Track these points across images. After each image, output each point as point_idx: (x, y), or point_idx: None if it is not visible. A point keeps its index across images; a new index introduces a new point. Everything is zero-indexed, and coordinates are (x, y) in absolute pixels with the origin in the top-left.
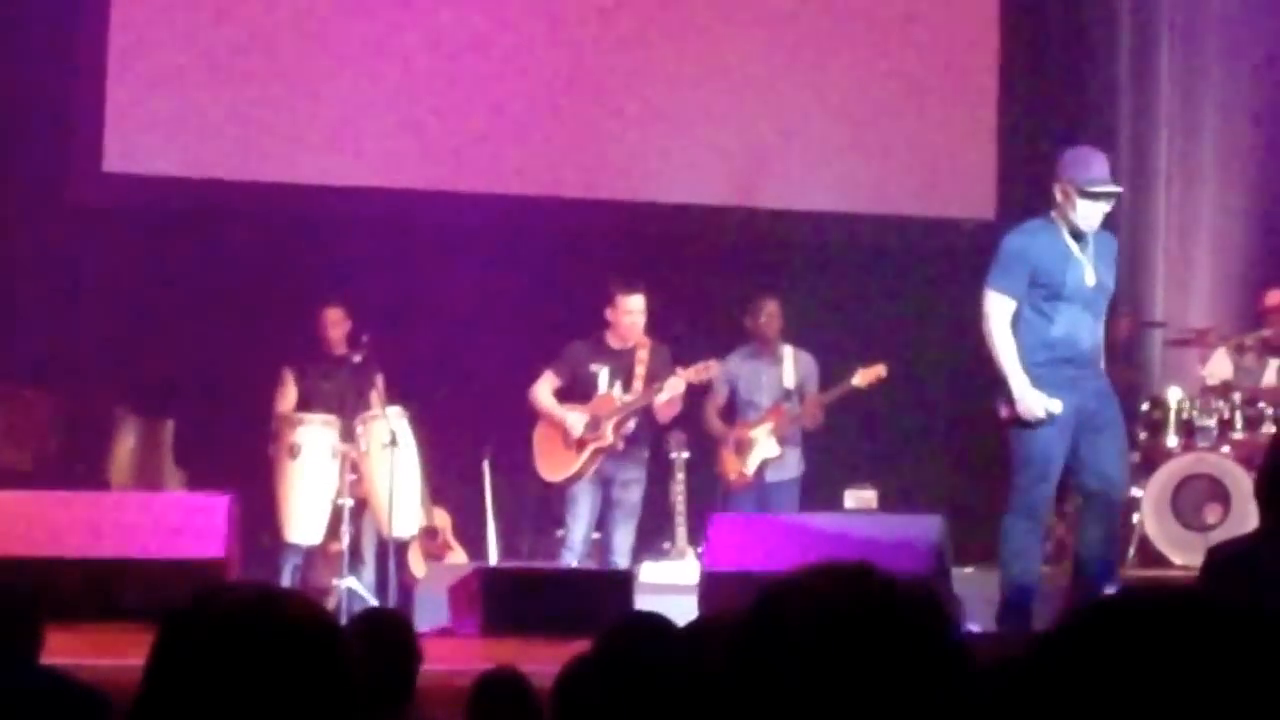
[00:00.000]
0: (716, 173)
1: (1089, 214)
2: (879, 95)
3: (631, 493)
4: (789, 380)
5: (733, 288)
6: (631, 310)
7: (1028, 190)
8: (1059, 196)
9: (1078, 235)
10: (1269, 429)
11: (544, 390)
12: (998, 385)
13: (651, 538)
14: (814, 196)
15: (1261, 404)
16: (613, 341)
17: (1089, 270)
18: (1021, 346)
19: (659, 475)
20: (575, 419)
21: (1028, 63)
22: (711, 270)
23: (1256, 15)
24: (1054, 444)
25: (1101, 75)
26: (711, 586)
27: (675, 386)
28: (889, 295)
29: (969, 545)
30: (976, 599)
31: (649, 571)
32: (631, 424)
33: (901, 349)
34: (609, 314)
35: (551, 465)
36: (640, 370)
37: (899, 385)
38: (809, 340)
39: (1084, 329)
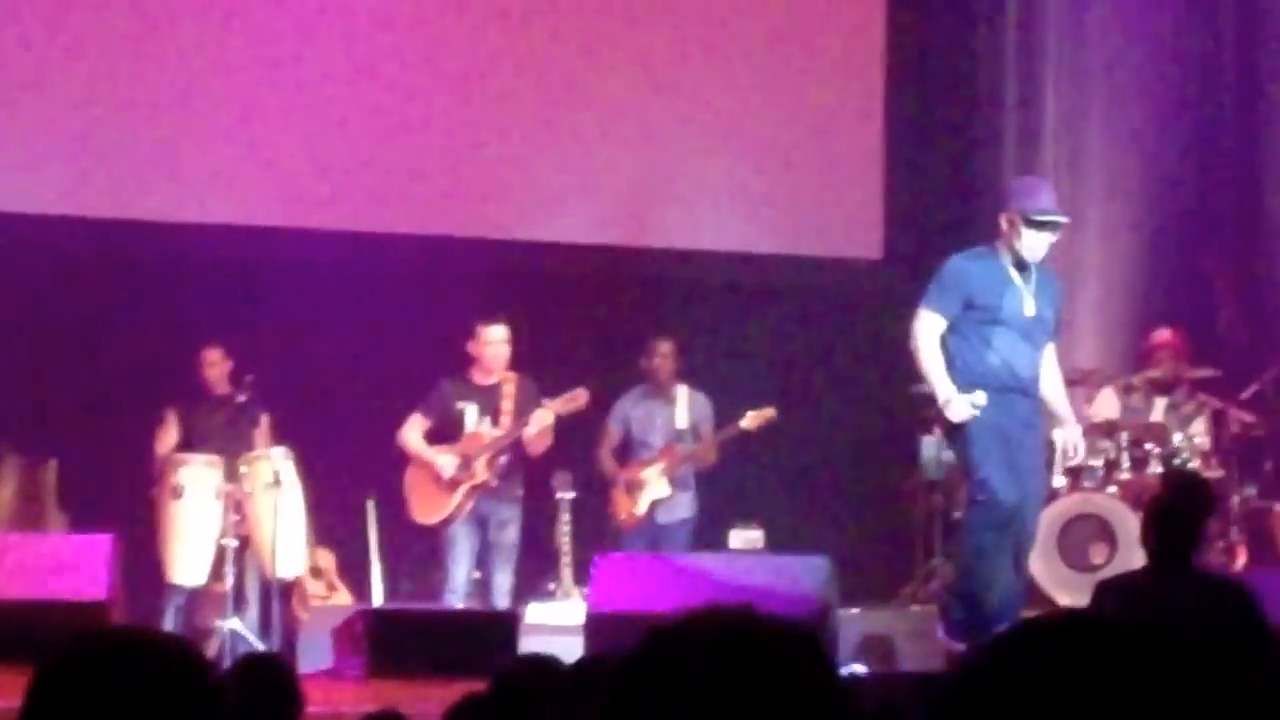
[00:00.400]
0: (608, 212)
1: (1034, 243)
2: (767, 135)
3: (508, 533)
4: (682, 420)
5: (627, 328)
6: (493, 341)
7: (913, 230)
8: (1004, 226)
9: (1022, 266)
10: (1155, 469)
11: (413, 433)
12: (936, 410)
13: (538, 578)
14: (704, 236)
15: (1148, 444)
16: (478, 377)
17: (1028, 300)
18: (958, 370)
19: (545, 515)
20: (445, 460)
21: (914, 106)
22: (605, 310)
23: (1141, 58)
24: (996, 450)
25: (987, 118)
26: (596, 627)
27: (543, 419)
28: (779, 334)
29: (855, 586)
30: (860, 639)
31: (535, 612)
32: (504, 460)
33: (791, 387)
34: (471, 348)
35: (426, 508)
36: (507, 404)
37: (788, 424)
38: (700, 379)
39: (1022, 357)
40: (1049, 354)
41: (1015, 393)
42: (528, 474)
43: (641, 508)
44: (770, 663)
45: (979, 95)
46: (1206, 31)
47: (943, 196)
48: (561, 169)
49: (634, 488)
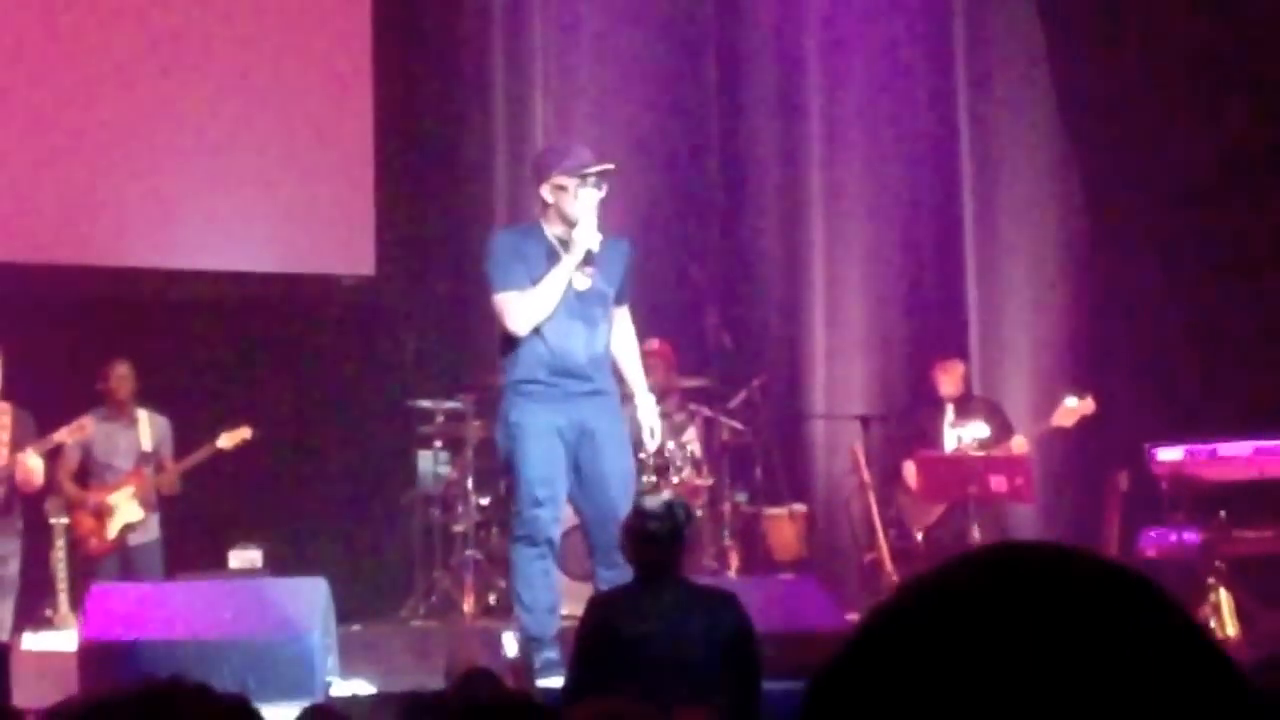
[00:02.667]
0: (74, 231)
1: (590, 201)
2: (259, 154)
3: (9, 567)
4: (147, 443)
5: (90, 349)
6: None
7: (404, 246)
8: (549, 197)
9: (565, 242)
10: (648, 479)
11: None
12: (483, 415)
13: (35, 605)
14: (196, 256)
15: (641, 455)
16: None
17: (577, 274)
18: (511, 364)
19: (40, 540)
20: None
21: (404, 124)
22: (83, 333)
23: (627, 82)
24: (549, 463)
25: (476, 135)
26: (90, 657)
27: (32, 464)
28: (273, 353)
29: (355, 603)
30: (362, 655)
31: (32, 641)
32: (1, 493)
33: (289, 405)
34: None
35: None
36: (3, 436)
37: (286, 442)
38: (193, 400)
39: (576, 339)
40: (621, 320)
41: (572, 378)
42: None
43: (114, 532)
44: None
45: (468, 113)
46: (692, 59)
47: (433, 213)
48: (23, 189)
49: (104, 512)
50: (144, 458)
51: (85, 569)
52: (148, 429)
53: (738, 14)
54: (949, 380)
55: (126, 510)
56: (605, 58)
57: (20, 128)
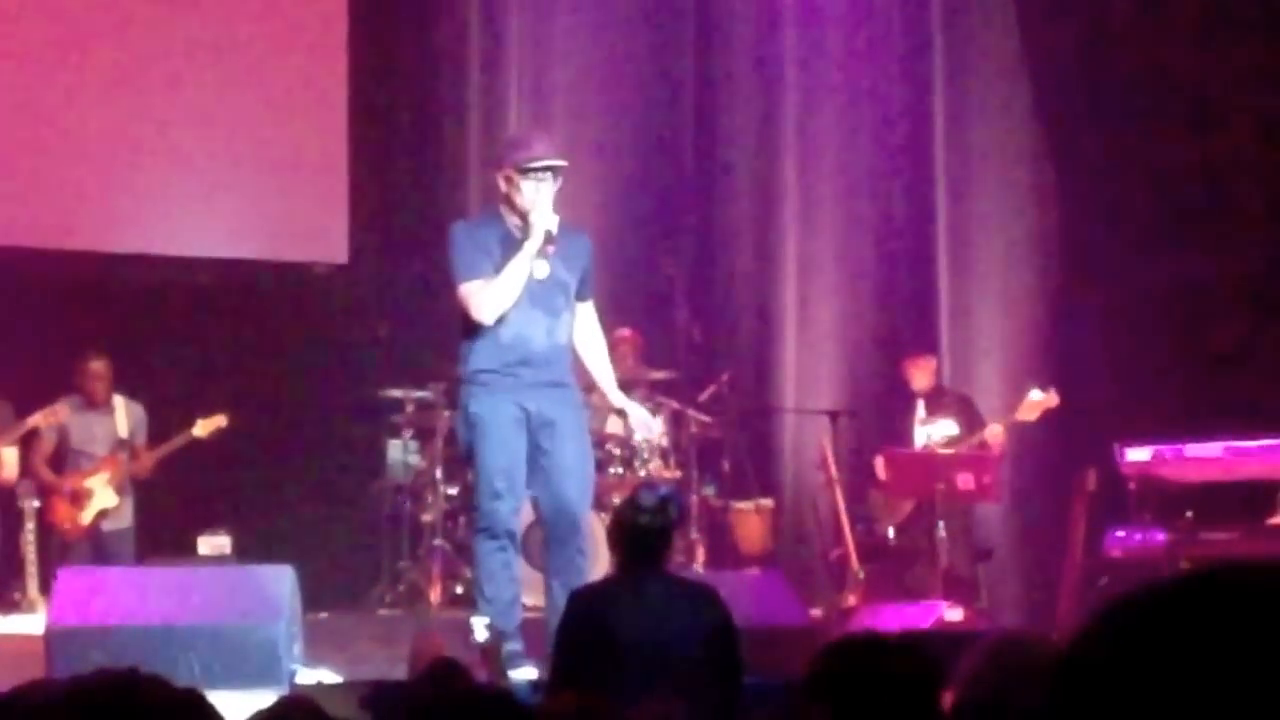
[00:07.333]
0: (65, 216)
1: (534, 195)
2: (232, 141)
3: None
4: (123, 430)
5: (62, 333)
6: None
7: (378, 234)
8: (503, 187)
9: (522, 229)
10: (616, 471)
11: None
12: (453, 405)
13: (3, 589)
14: (169, 241)
15: (609, 446)
16: None
17: (539, 261)
18: (470, 354)
19: (8, 524)
20: None
21: (379, 111)
22: (58, 315)
23: (604, 72)
24: (508, 454)
25: (451, 124)
26: (57, 642)
27: (13, 441)
28: (244, 340)
29: (323, 591)
30: (328, 644)
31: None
32: None
33: (259, 392)
34: None
35: None
36: None
37: (256, 429)
38: (163, 385)
39: (537, 328)
40: (586, 317)
41: (530, 367)
42: None
43: (88, 517)
44: None
45: (442, 102)
46: (666, 50)
47: (407, 202)
48: (13, 171)
49: (80, 497)
50: (119, 444)
51: (59, 554)
52: (124, 416)
53: (713, 2)
54: (920, 375)
55: (102, 496)
56: (580, 48)
57: None
